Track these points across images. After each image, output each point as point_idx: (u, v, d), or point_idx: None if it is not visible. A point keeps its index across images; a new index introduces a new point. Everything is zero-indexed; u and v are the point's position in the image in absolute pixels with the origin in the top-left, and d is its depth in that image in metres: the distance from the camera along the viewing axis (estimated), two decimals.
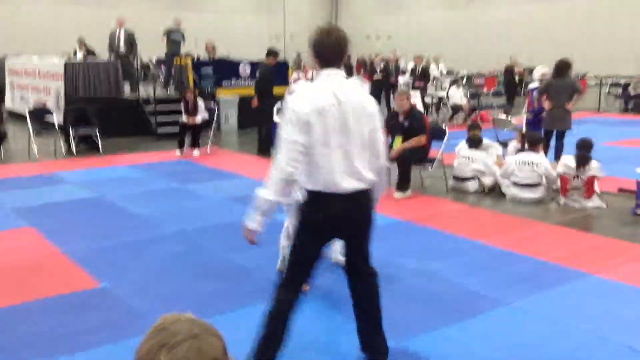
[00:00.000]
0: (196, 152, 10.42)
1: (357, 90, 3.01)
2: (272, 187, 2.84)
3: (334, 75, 2.95)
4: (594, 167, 6.80)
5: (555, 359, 3.46)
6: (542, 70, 10.84)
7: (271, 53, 10.49)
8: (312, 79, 21.46)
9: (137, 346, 1.20)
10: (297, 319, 3.13)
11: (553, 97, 8.51)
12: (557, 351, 3.53)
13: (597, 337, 3.69)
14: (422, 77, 16.07)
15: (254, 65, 13.95)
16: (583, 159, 6.83)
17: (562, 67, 8.60)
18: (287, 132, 2.83)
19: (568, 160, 6.98)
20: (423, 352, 3.51)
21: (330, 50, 2.95)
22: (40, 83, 13.85)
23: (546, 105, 8.55)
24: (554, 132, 8.61)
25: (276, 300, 3.08)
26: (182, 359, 1.14)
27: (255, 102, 10.45)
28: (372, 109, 3.01)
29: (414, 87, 15.59)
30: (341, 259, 3.75)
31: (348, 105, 2.88)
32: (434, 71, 20.75)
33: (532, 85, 10.97)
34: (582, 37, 26.19)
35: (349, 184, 2.91)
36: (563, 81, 8.58)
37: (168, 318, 1.24)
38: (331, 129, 2.84)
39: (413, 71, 17.03)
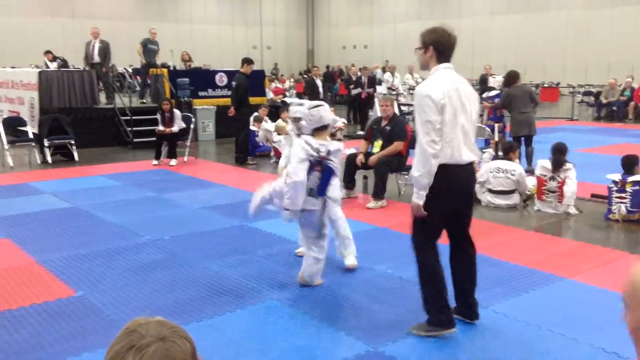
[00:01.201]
0: (173, 162, 10.37)
1: (463, 79, 3.66)
2: (421, 167, 3.45)
3: (450, 69, 3.59)
4: (568, 168, 6.94)
5: None
6: (500, 79, 11.35)
7: (246, 61, 10.52)
8: (288, 89, 21.52)
9: (107, 348, 1.20)
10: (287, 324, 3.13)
11: (515, 105, 8.92)
12: (531, 353, 3.59)
13: (570, 339, 3.75)
14: (370, 86, 16.18)
15: (230, 75, 13.97)
16: (558, 161, 6.97)
17: (515, 77, 9.23)
18: (425, 115, 3.41)
19: (545, 162, 7.13)
20: (400, 357, 3.54)
21: (449, 47, 3.61)
22: (13, 93, 13.67)
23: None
24: (522, 139, 8.93)
25: (424, 262, 3.72)
26: None
27: (232, 111, 10.46)
28: (476, 95, 3.71)
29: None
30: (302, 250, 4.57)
31: (462, 90, 3.54)
32: (409, 80, 20.98)
33: (492, 94, 11.34)
34: (558, 46, 26.67)
35: (467, 157, 3.55)
36: (520, 89, 9.13)
37: (137, 321, 1.24)
38: (456, 109, 3.45)
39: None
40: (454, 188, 3.57)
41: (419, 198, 3.52)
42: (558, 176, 6.94)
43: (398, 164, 7.60)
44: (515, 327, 3.94)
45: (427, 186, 3.47)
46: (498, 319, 4.04)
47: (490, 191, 7.32)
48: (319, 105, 4.20)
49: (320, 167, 4.09)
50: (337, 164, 4.30)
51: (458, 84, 3.53)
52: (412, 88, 20.13)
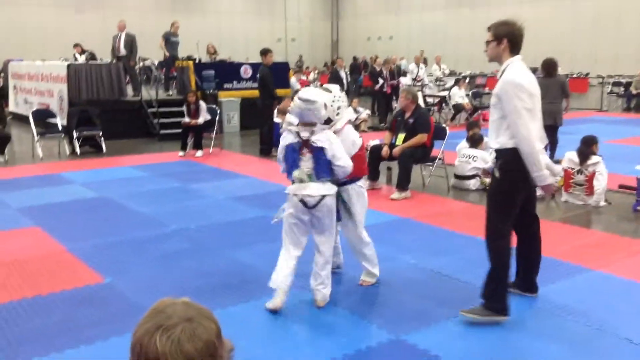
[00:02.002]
0: (199, 153, 10.48)
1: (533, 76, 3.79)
2: (535, 145, 3.58)
3: (522, 61, 3.74)
4: (595, 162, 6.84)
5: (554, 352, 3.49)
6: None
7: (264, 52, 10.53)
8: (313, 81, 21.39)
9: (135, 328, 1.23)
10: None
11: (546, 95, 8.69)
12: (555, 344, 3.57)
13: (595, 330, 3.72)
14: (392, 78, 15.31)
15: (255, 68, 14.03)
16: (584, 153, 6.88)
17: (554, 66, 8.99)
18: (521, 102, 3.55)
19: (572, 155, 7.03)
20: (423, 345, 3.55)
21: (521, 39, 3.76)
22: (43, 86, 13.94)
23: None
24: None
25: (505, 248, 3.83)
26: (176, 340, 1.17)
27: (275, 104, 10.50)
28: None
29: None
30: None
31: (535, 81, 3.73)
32: (436, 71, 20.82)
33: None
34: (587, 37, 26.19)
35: (541, 143, 3.72)
36: (555, 79, 8.93)
37: (165, 302, 1.28)
38: (536, 98, 3.66)
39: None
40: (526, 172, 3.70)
41: (545, 178, 3.63)
42: (586, 169, 6.84)
43: (422, 155, 7.57)
44: (540, 317, 3.91)
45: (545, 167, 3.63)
46: (522, 310, 4.02)
47: None
48: (313, 102, 3.86)
49: (308, 148, 3.85)
50: (330, 146, 3.86)
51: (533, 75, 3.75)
52: (439, 80, 19.98)
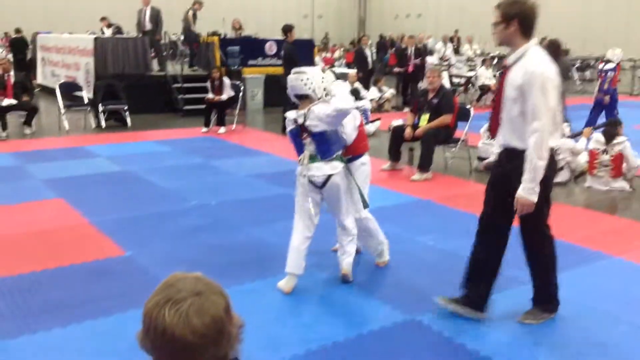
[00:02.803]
0: (222, 130, 10.52)
1: None
2: (544, 155, 3.17)
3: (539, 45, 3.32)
4: (621, 141, 6.75)
5: (569, 337, 3.47)
6: (617, 51, 10.99)
7: (288, 29, 10.45)
8: (338, 58, 21.00)
9: (147, 299, 1.27)
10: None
11: None
12: (572, 330, 3.55)
13: (612, 317, 3.69)
14: (418, 57, 14.24)
15: (279, 44, 13.96)
16: (609, 133, 6.82)
17: (559, 48, 8.98)
18: (549, 100, 3.14)
19: (598, 136, 6.95)
20: (437, 327, 3.56)
21: (534, 20, 3.28)
22: (70, 59, 14.07)
23: None
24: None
25: (552, 251, 3.68)
26: (184, 314, 1.20)
27: None
28: None
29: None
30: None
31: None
32: (467, 51, 20.49)
33: (608, 66, 10.89)
34: (619, 19, 25.54)
35: (558, 138, 3.38)
36: (561, 63, 8.94)
37: (176, 275, 1.31)
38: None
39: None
40: (555, 169, 3.55)
41: (534, 193, 3.22)
42: (612, 149, 6.74)
43: (445, 136, 7.49)
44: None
45: (541, 169, 3.20)
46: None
47: None
48: (302, 73, 3.87)
49: (305, 132, 3.85)
50: (320, 117, 3.81)
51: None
52: (470, 59, 19.66)
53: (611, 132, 6.87)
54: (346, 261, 4.16)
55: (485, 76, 14.67)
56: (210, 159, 8.29)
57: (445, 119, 7.37)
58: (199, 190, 6.61)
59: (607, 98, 10.35)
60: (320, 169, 3.93)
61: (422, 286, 4.12)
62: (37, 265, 4.39)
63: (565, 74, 8.92)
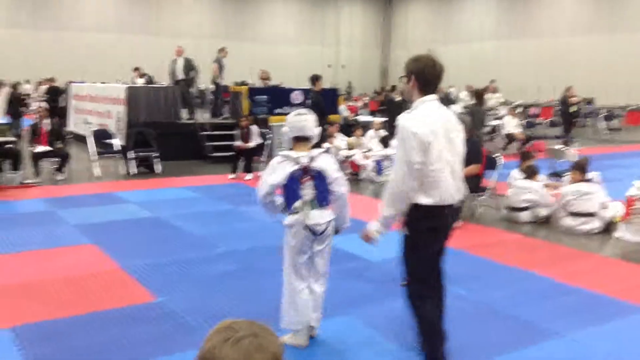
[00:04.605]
0: (249, 176, 10.64)
1: (449, 111, 3.43)
2: (392, 206, 3.27)
3: (434, 101, 3.32)
4: None
5: None
6: None
7: (316, 78, 10.67)
8: (362, 107, 21.19)
9: (201, 344, 1.29)
10: None
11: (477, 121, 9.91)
12: None
13: None
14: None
15: (306, 93, 14.20)
16: None
17: (481, 96, 10.72)
18: (406, 154, 3.16)
19: (639, 183, 6.82)
20: None
21: (434, 78, 3.32)
22: (102, 107, 14.45)
23: None
24: None
25: (421, 315, 3.51)
26: (245, 349, 1.25)
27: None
28: (461, 128, 3.43)
29: None
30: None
31: (449, 125, 3.31)
32: (490, 100, 20.59)
33: None
34: None
35: (455, 196, 3.33)
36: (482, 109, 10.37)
37: (229, 320, 1.35)
38: (443, 147, 3.21)
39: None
40: (440, 229, 3.40)
41: (376, 228, 3.35)
42: None
43: (474, 185, 7.48)
44: (595, 357, 3.79)
45: (389, 217, 3.30)
46: (577, 348, 3.91)
47: (572, 214, 7.07)
48: (304, 114, 3.89)
49: (308, 175, 3.73)
50: (330, 169, 3.80)
51: (444, 118, 3.30)
52: (491, 109, 19.76)
53: None
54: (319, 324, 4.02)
55: (511, 125, 14.69)
56: (238, 205, 8.36)
57: (473, 169, 7.37)
58: (227, 236, 6.65)
59: None
60: (322, 216, 3.75)
61: (456, 338, 4.04)
62: (70, 311, 4.43)
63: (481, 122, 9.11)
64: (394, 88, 17.59)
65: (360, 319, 4.34)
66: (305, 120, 3.83)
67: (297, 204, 3.73)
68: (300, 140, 3.83)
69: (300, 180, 3.71)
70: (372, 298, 4.78)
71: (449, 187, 3.26)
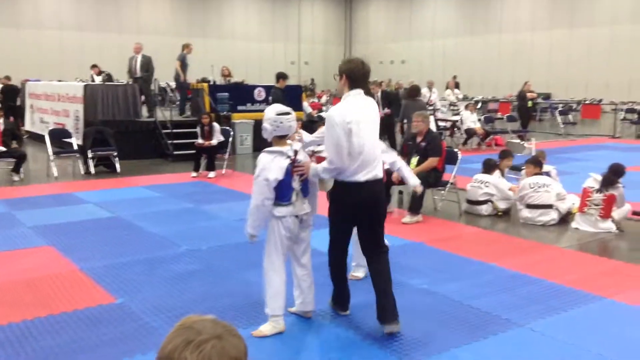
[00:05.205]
0: (211, 174, 10.55)
1: (370, 101, 4.08)
2: (327, 174, 4.00)
3: (359, 94, 3.98)
4: (617, 187, 6.83)
5: None
6: None
7: (281, 76, 10.66)
8: (325, 103, 21.38)
9: (162, 344, 1.24)
10: None
11: (408, 114, 10.50)
12: None
13: None
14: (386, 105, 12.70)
15: (268, 90, 14.16)
16: (608, 180, 6.88)
17: (415, 91, 11.56)
18: (333, 139, 3.81)
19: (597, 176, 7.01)
20: None
21: (361, 76, 4.00)
22: (59, 106, 14.14)
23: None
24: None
25: (329, 259, 4.27)
26: (207, 356, 1.18)
27: None
28: (378, 117, 4.11)
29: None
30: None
31: (368, 113, 3.99)
32: (449, 96, 20.88)
33: None
34: (601, 63, 26.23)
35: (369, 175, 3.92)
36: (415, 102, 11.17)
37: (192, 318, 1.29)
38: (361, 131, 3.86)
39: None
40: (351, 202, 3.95)
41: (317, 171, 3.98)
42: (606, 189, 6.81)
43: (435, 179, 7.58)
44: (553, 346, 3.88)
45: (326, 176, 4.00)
46: (535, 338, 3.99)
47: (529, 207, 7.23)
48: (289, 113, 4.01)
49: (297, 168, 3.98)
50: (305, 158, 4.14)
51: (364, 108, 3.96)
52: (452, 104, 20.06)
53: (610, 179, 6.90)
54: (313, 304, 4.27)
55: (471, 120, 14.93)
56: (200, 204, 8.29)
57: (433, 162, 7.47)
58: (189, 235, 6.58)
59: None
60: (306, 206, 4.07)
61: (416, 330, 4.10)
62: (27, 314, 4.33)
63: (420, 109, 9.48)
64: None
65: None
66: (292, 120, 4.00)
67: (293, 196, 3.95)
68: (282, 137, 3.98)
69: (292, 173, 3.92)
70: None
71: (365, 167, 3.88)
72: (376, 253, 4.08)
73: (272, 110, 4.00)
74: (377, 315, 4.02)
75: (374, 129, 4.01)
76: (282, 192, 3.93)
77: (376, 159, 3.97)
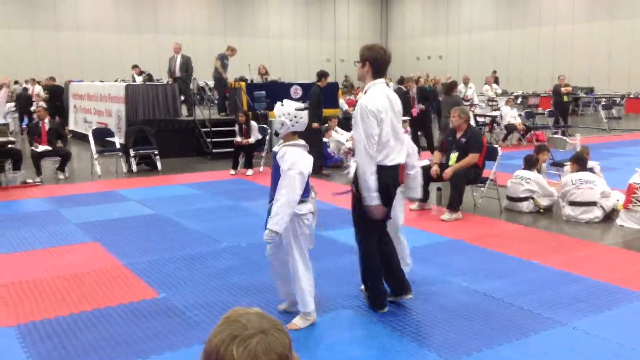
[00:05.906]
0: (249, 172, 10.65)
1: (393, 92, 4.21)
2: (367, 170, 3.98)
3: (383, 84, 4.07)
4: None
5: None
6: None
7: (322, 75, 10.64)
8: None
9: (209, 336, 1.25)
10: None
11: (444, 110, 11.26)
12: None
13: None
14: (422, 100, 12.52)
15: (305, 88, 14.20)
16: None
17: (452, 87, 11.90)
18: (368, 128, 3.88)
19: None
20: None
21: (384, 64, 4.05)
22: (102, 106, 14.47)
23: None
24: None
25: (367, 251, 4.32)
26: (253, 352, 1.19)
27: (316, 126, 10.27)
28: (401, 109, 4.24)
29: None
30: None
31: (394, 102, 4.10)
32: (488, 92, 20.60)
33: None
34: None
35: (398, 159, 4.11)
36: (453, 99, 11.50)
37: (238, 311, 1.30)
38: (392, 120, 4.01)
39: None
40: (391, 184, 4.07)
41: (373, 199, 3.97)
42: None
43: (474, 175, 7.49)
44: (596, 344, 3.81)
45: (375, 187, 3.94)
46: (578, 336, 3.92)
47: (572, 204, 7.08)
48: (306, 109, 4.04)
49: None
50: None
51: (391, 98, 4.06)
52: (491, 100, 19.76)
53: None
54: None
55: (511, 115, 14.68)
56: (239, 201, 8.38)
57: (473, 158, 7.38)
58: (229, 231, 6.67)
59: None
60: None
61: (458, 328, 4.07)
62: (74, 308, 4.46)
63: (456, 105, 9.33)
64: (402, 80, 17.42)
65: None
66: (306, 116, 3.99)
67: (312, 192, 3.99)
68: (295, 133, 3.97)
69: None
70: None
71: (394, 151, 4.03)
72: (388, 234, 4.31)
73: (292, 106, 3.93)
74: (395, 289, 4.34)
75: (399, 119, 4.16)
76: (304, 190, 3.90)
77: (402, 146, 4.14)
